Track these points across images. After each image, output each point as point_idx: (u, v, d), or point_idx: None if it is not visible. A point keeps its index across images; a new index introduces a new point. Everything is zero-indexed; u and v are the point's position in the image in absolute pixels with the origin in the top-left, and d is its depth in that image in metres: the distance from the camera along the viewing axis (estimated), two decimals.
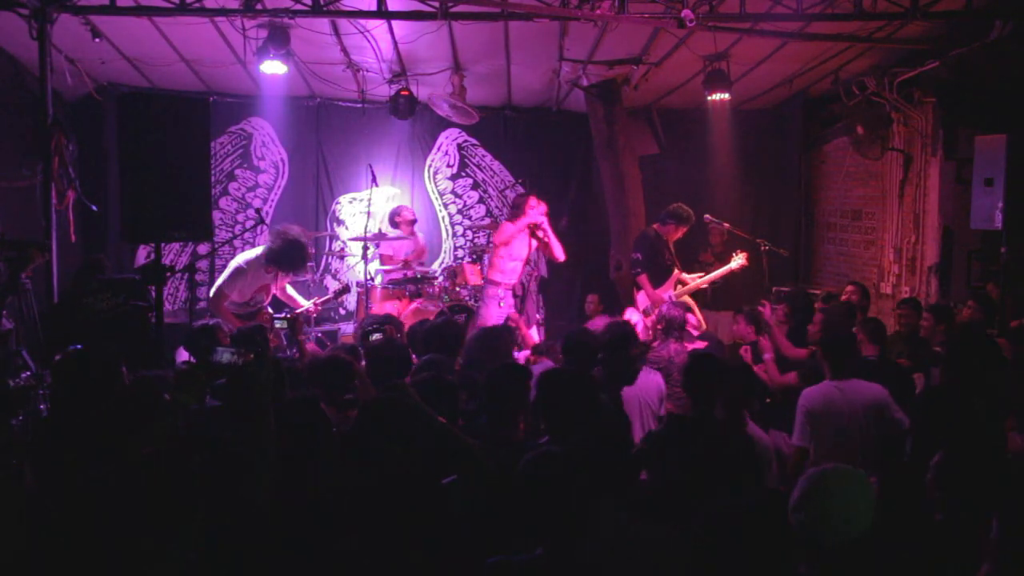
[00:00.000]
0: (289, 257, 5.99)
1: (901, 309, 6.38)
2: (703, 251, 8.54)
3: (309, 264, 6.27)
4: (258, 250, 6.21)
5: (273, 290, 6.35)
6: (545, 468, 2.46)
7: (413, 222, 8.57)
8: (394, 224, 8.46)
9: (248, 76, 8.07)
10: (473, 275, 7.83)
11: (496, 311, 7.25)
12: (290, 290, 6.56)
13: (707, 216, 7.79)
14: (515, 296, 7.18)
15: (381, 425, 2.81)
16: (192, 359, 4.93)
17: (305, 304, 6.45)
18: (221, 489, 2.50)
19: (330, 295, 6.81)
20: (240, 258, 6.19)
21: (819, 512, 2.46)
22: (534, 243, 7.23)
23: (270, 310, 6.37)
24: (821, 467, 2.64)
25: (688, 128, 9.15)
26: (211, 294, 6.25)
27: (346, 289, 7.15)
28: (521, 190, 9.58)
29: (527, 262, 7.32)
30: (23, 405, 4.60)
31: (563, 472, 2.44)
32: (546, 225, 7.14)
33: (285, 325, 5.67)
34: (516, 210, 7.30)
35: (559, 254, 7.27)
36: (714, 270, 7.33)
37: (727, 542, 2.26)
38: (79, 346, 3.40)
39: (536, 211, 7.12)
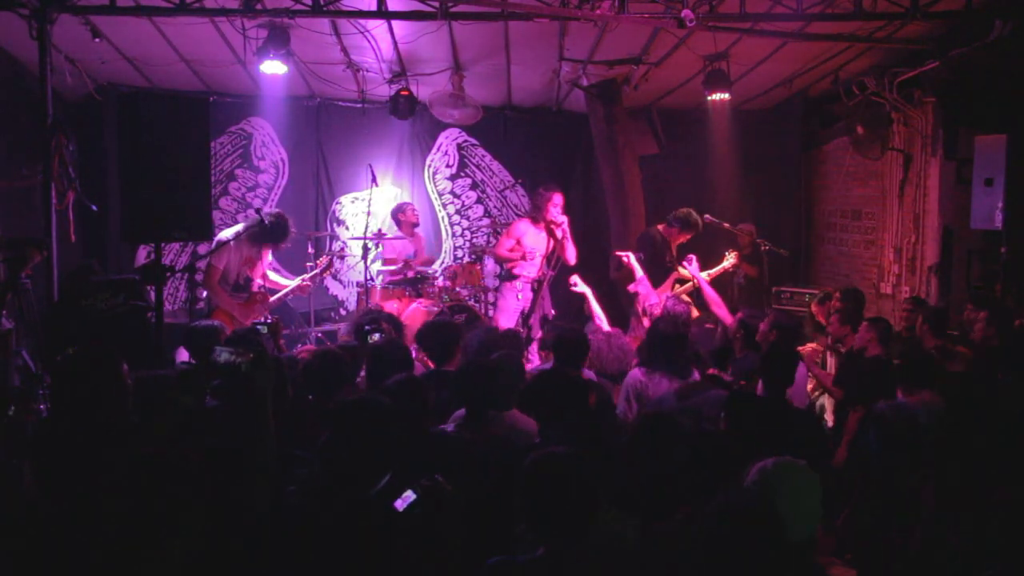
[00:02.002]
0: (277, 230, 6.41)
1: (905, 307, 6.42)
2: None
3: (286, 235, 6.56)
4: (238, 226, 6.55)
5: (260, 267, 6.56)
6: (548, 468, 2.46)
7: (415, 225, 8.56)
8: (396, 221, 8.45)
9: (248, 76, 8.07)
10: (485, 274, 7.88)
11: (514, 304, 7.29)
12: (273, 276, 6.78)
13: (707, 216, 7.79)
14: (532, 291, 7.20)
15: (346, 432, 2.77)
16: (192, 359, 4.93)
17: (292, 283, 6.72)
18: (221, 489, 2.50)
19: (318, 270, 6.94)
20: (223, 233, 6.47)
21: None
22: (552, 240, 7.23)
23: (261, 283, 6.64)
24: (765, 462, 2.62)
25: (688, 128, 9.14)
26: (204, 272, 6.45)
27: (331, 264, 7.23)
28: (521, 190, 9.61)
29: (546, 258, 7.33)
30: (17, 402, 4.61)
31: (566, 472, 2.44)
32: (566, 226, 7.14)
33: (266, 331, 5.71)
34: (538, 205, 7.31)
35: (571, 257, 7.27)
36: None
37: (725, 540, 2.26)
38: (79, 346, 3.40)
39: (557, 209, 7.13)
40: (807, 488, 2.55)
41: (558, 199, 7.18)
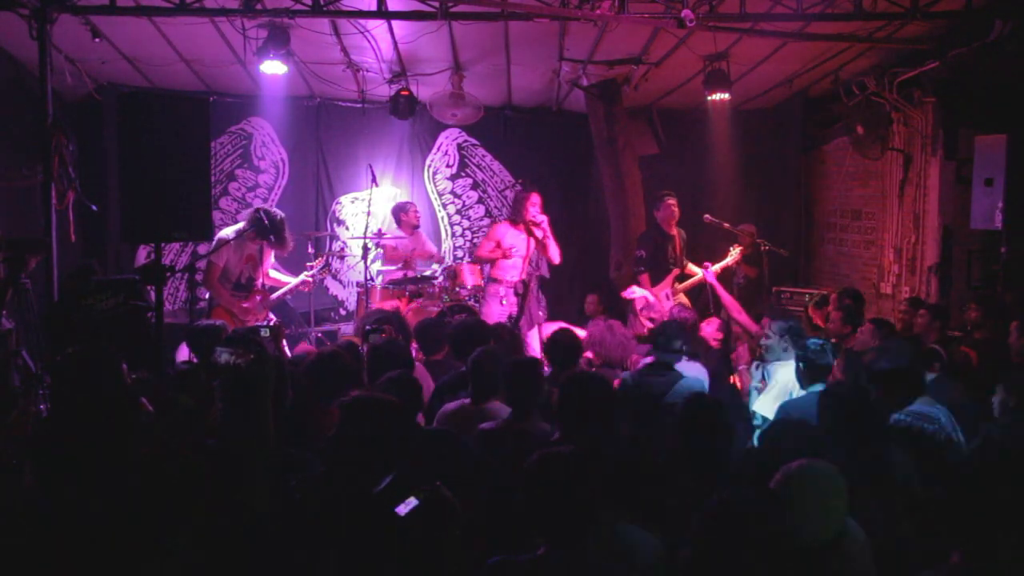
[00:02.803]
0: (276, 228, 6.35)
1: (903, 307, 6.43)
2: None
3: (286, 238, 6.51)
4: (239, 225, 6.51)
5: (264, 265, 6.54)
6: (551, 467, 2.46)
7: (415, 226, 8.55)
8: (398, 220, 8.44)
9: (248, 76, 8.07)
10: (472, 275, 7.82)
11: (498, 309, 7.25)
12: (274, 274, 6.76)
13: (707, 216, 7.80)
14: (516, 295, 7.17)
15: (357, 427, 2.77)
16: (193, 358, 4.93)
17: (293, 282, 6.70)
18: (221, 490, 2.50)
19: (315, 269, 6.97)
20: (223, 232, 6.45)
21: (796, 510, 2.44)
22: (533, 241, 7.22)
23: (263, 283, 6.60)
24: (796, 464, 2.61)
25: (688, 128, 9.15)
26: (204, 270, 6.43)
27: (328, 264, 7.24)
28: (521, 190, 9.61)
29: (528, 260, 7.31)
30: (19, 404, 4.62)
31: (569, 472, 2.44)
32: (545, 225, 7.12)
33: (268, 334, 5.71)
34: (516, 206, 7.30)
35: (554, 256, 7.25)
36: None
37: (723, 540, 2.24)
38: (79, 346, 3.40)
39: (535, 209, 7.11)
40: (832, 490, 2.54)
41: (536, 199, 7.17)
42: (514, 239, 7.30)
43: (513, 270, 7.27)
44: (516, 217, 7.34)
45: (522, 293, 7.12)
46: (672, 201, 7.42)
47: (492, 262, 7.41)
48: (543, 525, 2.43)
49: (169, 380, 3.50)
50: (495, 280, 7.31)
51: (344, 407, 2.85)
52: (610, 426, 3.44)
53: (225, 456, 2.62)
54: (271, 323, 5.97)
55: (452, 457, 3.34)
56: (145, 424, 2.86)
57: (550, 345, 4.83)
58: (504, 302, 7.24)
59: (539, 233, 7.12)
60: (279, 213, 6.53)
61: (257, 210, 6.58)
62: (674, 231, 7.53)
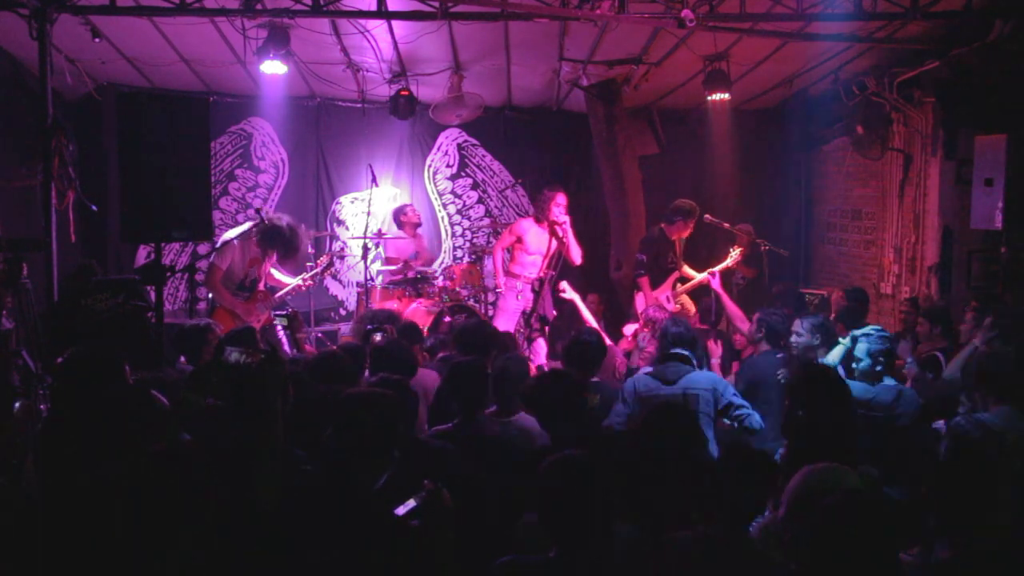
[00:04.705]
0: (281, 240, 6.32)
1: (904, 308, 6.43)
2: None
3: (298, 251, 6.46)
4: (246, 225, 6.47)
5: (266, 266, 6.51)
6: (562, 471, 2.45)
7: (417, 225, 8.55)
8: (398, 223, 8.44)
9: (248, 76, 8.07)
10: (485, 274, 7.87)
11: (514, 304, 7.28)
12: (276, 274, 6.73)
13: (707, 216, 7.80)
14: (533, 291, 7.18)
15: (353, 423, 2.77)
16: (186, 361, 4.93)
17: (294, 281, 6.68)
18: (226, 490, 2.49)
19: (318, 270, 6.93)
20: (228, 234, 6.42)
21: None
22: (554, 241, 7.22)
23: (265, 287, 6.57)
24: (810, 467, 2.63)
25: (688, 128, 9.15)
26: (206, 271, 6.42)
27: (331, 264, 7.22)
28: (521, 190, 9.62)
29: (547, 259, 7.32)
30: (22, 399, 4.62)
31: (580, 475, 2.43)
32: (567, 225, 7.12)
33: (285, 323, 5.69)
34: (541, 205, 7.30)
35: (576, 256, 7.24)
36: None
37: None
38: (80, 347, 3.39)
39: (560, 209, 7.10)
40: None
41: (561, 199, 7.15)
42: (537, 237, 7.31)
43: (532, 267, 7.30)
44: (540, 216, 7.34)
45: (538, 291, 7.13)
46: (693, 222, 7.41)
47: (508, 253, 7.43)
48: (554, 528, 2.43)
49: (174, 381, 3.49)
50: (513, 275, 7.34)
51: (340, 403, 2.84)
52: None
53: (232, 455, 2.61)
54: (288, 312, 5.93)
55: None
56: (156, 422, 2.86)
57: (569, 348, 4.80)
58: (520, 297, 7.27)
59: (561, 233, 7.12)
60: (288, 225, 6.41)
61: (258, 211, 6.56)
62: (675, 236, 7.53)
